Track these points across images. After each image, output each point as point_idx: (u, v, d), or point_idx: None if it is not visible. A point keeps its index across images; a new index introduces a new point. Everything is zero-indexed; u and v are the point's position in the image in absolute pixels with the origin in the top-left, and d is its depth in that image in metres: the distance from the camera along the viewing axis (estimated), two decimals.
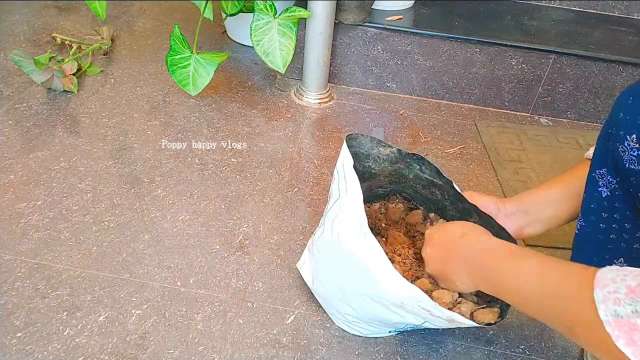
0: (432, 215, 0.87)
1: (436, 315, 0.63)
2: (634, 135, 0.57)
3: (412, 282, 0.72)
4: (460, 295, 0.72)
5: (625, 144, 0.58)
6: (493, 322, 0.67)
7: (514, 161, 1.24)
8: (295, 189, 1.07)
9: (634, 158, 0.58)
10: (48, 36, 1.52)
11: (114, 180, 1.03)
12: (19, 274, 0.82)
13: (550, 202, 0.75)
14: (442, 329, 0.82)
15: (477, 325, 0.65)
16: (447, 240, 0.69)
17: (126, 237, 0.91)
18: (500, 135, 1.33)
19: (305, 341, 0.78)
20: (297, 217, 1.00)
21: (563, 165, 1.24)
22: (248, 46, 1.59)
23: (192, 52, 1.23)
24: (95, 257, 0.87)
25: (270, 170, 1.11)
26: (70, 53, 1.37)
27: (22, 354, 0.71)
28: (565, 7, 1.62)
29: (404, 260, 0.79)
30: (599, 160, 0.64)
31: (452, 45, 1.37)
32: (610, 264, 0.68)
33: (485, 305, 0.71)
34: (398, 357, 0.77)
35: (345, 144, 0.74)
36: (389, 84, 1.46)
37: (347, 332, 0.80)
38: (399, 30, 1.37)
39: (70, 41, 1.43)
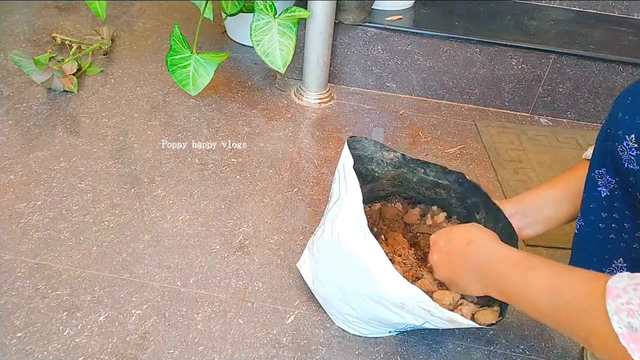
0: (433, 208, 0.86)
1: (437, 316, 0.63)
2: (632, 135, 0.57)
3: (413, 282, 0.72)
4: (462, 296, 0.72)
5: (624, 144, 0.58)
6: (494, 322, 0.67)
7: (514, 161, 1.24)
8: (295, 189, 1.07)
9: (632, 158, 0.58)
10: (48, 36, 1.52)
11: (114, 180, 1.03)
12: (19, 274, 0.82)
13: (548, 203, 0.75)
14: (442, 329, 0.82)
15: (478, 326, 0.65)
16: (453, 248, 0.68)
17: (126, 237, 0.91)
18: (500, 135, 1.33)
19: (305, 341, 0.78)
20: (297, 217, 1.00)
21: (563, 165, 1.24)
22: (248, 46, 1.59)
23: (192, 52, 1.23)
24: (95, 257, 0.87)
25: (270, 170, 1.11)
26: (70, 53, 1.37)
27: (22, 354, 0.71)
28: (565, 7, 1.62)
29: (404, 261, 0.79)
30: (598, 160, 0.64)
31: (452, 45, 1.37)
32: (610, 264, 0.68)
33: (486, 307, 0.71)
34: (398, 357, 0.77)
35: (346, 145, 0.74)
36: (389, 84, 1.46)
37: (347, 332, 0.80)
38: (399, 30, 1.37)
39: (70, 41, 1.43)
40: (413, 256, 0.81)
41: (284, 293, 0.85)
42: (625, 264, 0.67)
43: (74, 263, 0.85)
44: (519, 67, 1.38)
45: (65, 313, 0.77)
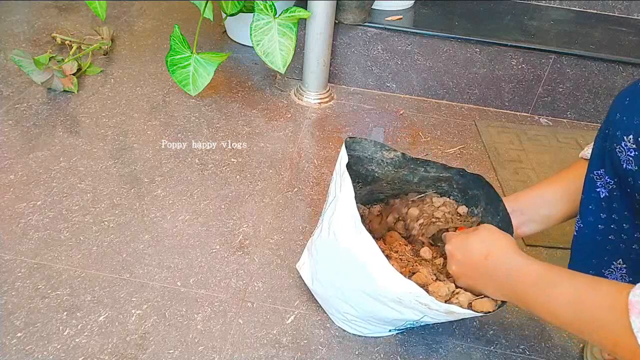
0: (429, 192, 0.86)
1: (434, 308, 0.63)
2: (630, 136, 0.57)
3: (409, 277, 0.72)
4: (457, 285, 0.72)
5: (622, 145, 0.58)
6: (492, 310, 0.67)
7: (514, 161, 1.24)
8: (295, 189, 1.07)
9: (631, 159, 0.58)
10: (48, 36, 1.52)
11: (114, 180, 1.03)
12: (19, 274, 0.82)
13: (545, 202, 0.75)
14: (441, 328, 0.82)
15: (476, 314, 0.65)
16: (472, 261, 0.67)
17: (126, 237, 0.91)
18: (500, 135, 1.33)
19: (305, 341, 0.78)
20: (297, 217, 1.00)
21: (563, 165, 1.23)
22: (248, 46, 1.59)
23: (192, 52, 1.23)
24: (95, 257, 0.87)
25: (270, 170, 1.11)
26: (70, 53, 1.38)
27: (22, 354, 0.71)
28: (565, 7, 1.62)
29: (400, 257, 0.79)
30: (596, 161, 0.64)
31: (452, 45, 1.37)
32: (609, 265, 0.68)
33: (483, 295, 0.71)
34: (398, 357, 0.77)
35: (344, 145, 0.74)
36: (389, 84, 1.46)
37: (347, 332, 0.80)
38: (399, 30, 1.37)
39: (70, 41, 1.43)
40: (410, 252, 0.81)
41: (283, 293, 0.85)
42: (624, 265, 0.67)
43: (74, 263, 0.85)
44: (519, 67, 1.38)
45: (65, 313, 0.77)
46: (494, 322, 0.85)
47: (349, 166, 0.72)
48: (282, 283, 0.87)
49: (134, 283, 0.83)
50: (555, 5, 1.62)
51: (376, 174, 0.84)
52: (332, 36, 1.33)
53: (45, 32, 1.55)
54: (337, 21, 1.34)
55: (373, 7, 1.42)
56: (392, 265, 0.65)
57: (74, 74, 1.28)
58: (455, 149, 1.27)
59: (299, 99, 1.38)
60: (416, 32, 1.36)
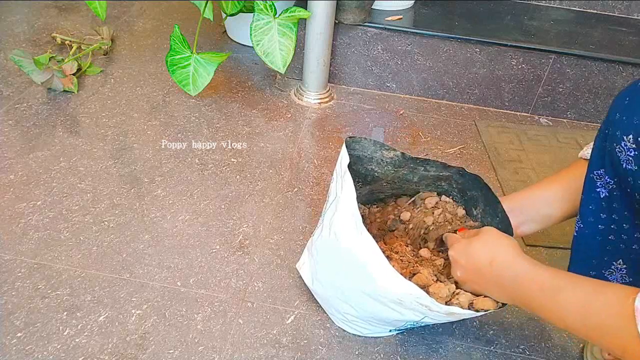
0: (420, 194, 0.86)
1: (435, 310, 0.63)
2: (630, 136, 0.57)
3: (410, 278, 0.72)
4: (457, 286, 0.72)
5: (622, 145, 0.58)
6: (493, 308, 0.67)
7: (514, 161, 1.24)
8: (295, 189, 1.07)
9: (630, 158, 0.58)
10: (48, 36, 1.52)
11: (114, 180, 1.03)
12: (19, 274, 0.82)
13: (545, 201, 0.75)
14: (442, 328, 0.82)
15: (477, 314, 0.65)
16: (477, 267, 0.67)
17: (126, 237, 0.91)
18: (500, 135, 1.33)
19: (305, 341, 0.78)
20: (297, 217, 1.00)
21: (563, 165, 1.22)
22: (248, 46, 1.59)
23: (192, 52, 1.23)
24: (95, 257, 0.87)
25: (270, 170, 1.11)
26: (70, 53, 1.38)
27: (22, 354, 0.71)
28: (565, 7, 1.62)
29: (401, 258, 0.79)
30: (596, 161, 0.64)
31: (452, 45, 1.37)
32: (609, 266, 0.68)
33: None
34: (398, 357, 0.77)
35: (344, 145, 0.74)
36: (389, 84, 1.46)
37: (347, 332, 0.80)
38: (399, 30, 1.37)
39: (70, 41, 1.43)
40: (410, 253, 0.81)
41: (283, 293, 0.85)
42: (624, 265, 0.67)
43: (74, 263, 0.85)
44: (519, 67, 1.38)
45: (65, 313, 0.77)
46: (494, 322, 0.85)
47: (348, 166, 0.72)
48: (282, 283, 0.87)
49: (134, 283, 0.83)
50: (555, 5, 1.62)
51: (376, 174, 0.84)
52: (332, 36, 1.33)
53: (45, 32, 1.55)
54: (337, 21, 1.34)
55: (373, 7, 1.42)
56: (393, 266, 0.64)
57: (74, 74, 1.28)
58: (455, 149, 1.27)
59: (299, 99, 1.38)
60: (416, 32, 1.36)
